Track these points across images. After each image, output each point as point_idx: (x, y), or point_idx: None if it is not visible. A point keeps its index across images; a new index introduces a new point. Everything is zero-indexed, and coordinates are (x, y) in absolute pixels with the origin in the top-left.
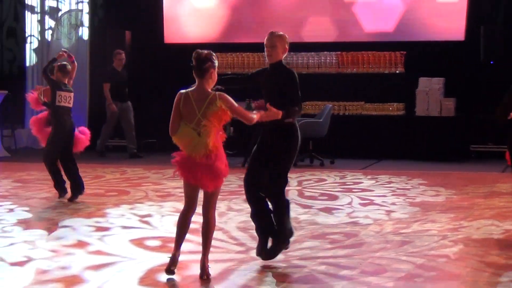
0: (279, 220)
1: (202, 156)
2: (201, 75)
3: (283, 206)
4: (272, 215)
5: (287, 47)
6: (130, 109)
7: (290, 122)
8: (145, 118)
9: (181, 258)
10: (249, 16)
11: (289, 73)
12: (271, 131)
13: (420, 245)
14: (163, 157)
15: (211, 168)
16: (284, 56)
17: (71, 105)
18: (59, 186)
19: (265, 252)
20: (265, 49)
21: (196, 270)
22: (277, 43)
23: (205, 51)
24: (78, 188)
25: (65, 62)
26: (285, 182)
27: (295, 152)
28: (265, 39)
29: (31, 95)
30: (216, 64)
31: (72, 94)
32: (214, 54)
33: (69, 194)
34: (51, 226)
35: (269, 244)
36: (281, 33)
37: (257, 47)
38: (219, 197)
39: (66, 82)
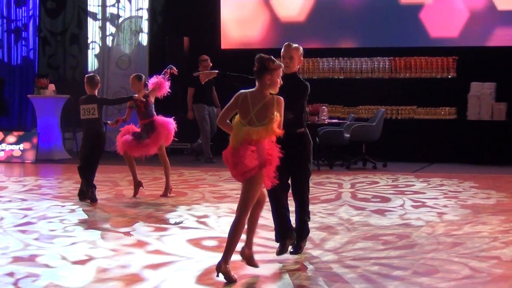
0: (303, 218)
1: (241, 144)
2: (258, 78)
3: (307, 206)
4: (295, 215)
5: (302, 58)
6: (215, 114)
7: (302, 131)
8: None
9: (238, 258)
10: (307, 22)
11: (306, 86)
12: (286, 141)
13: (471, 247)
14: (219, 159)
15: (241, 158)
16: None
17: (95, 116)
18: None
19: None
20: (282, 60)
21: (251, 270)
22: (295, 54)
23: (266, 56)
24: (84, 194)
25: (92, 74)
26: (308, 185)
27: (311, 156)
28: (283, 50)
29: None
30: (274, 68)
31: (95, 106)
32: (274, 59)
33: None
34: (111, 226)
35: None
36: (296, 45)
37: (311, 52)
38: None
39: (96, 93)
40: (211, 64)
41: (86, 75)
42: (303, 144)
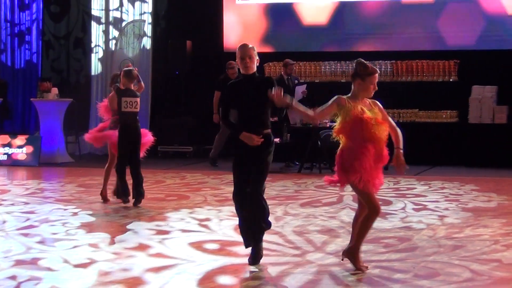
0: (254, 223)
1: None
2: (352, 82)
3: (262, 211)
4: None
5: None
6: None
7: (268, 132)
8: (207, 125)
9: (239, 261)
10: (309, 26)
11: (270, 79)
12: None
13: (472, 250)
14: (222, 163)
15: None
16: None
17: (137, 110)
18: (124, 191)
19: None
20: (241, 61)
21: (253, 273)
22: (252, 53)
23: (360, 61)
24: (140, 195)
25: (131, 68)
26: (262, 189)
27: (271, 159)
28: (241, 51)
29: (101, 104)
30: (365, 74)
31: (137, 99)
32: (367, 65)
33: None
34: (113, 229)
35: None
36: (251, 45)
37: (313, 56)
38: (274, 201)
39: (132, 87)
40: (237, 72)
41: (123, 69)
42: (265, 146)
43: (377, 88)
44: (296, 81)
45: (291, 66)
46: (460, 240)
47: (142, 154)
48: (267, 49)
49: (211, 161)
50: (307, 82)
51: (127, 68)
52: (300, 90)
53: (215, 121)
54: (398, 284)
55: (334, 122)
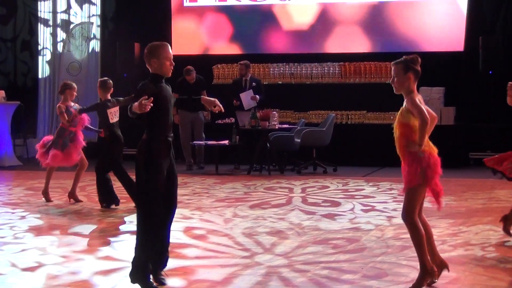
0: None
1: None
2: None
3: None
4: None
5: None
6: (200, 119)
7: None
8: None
9: (189, 263)
10: (258, 29)
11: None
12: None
13: None
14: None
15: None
16: None
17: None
18: (110, 196)
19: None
20: (168, 63)
21: (203, 275)
22: None
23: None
24: (116, 199)
25: (105, 78)
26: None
27: (143, 169)
28: (167, 51)
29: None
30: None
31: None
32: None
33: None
34: (61, 232)
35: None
36: None
37: (261, 58)
38: (223, 204)
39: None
40: (194, 78)
41: (99, 79)
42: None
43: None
44: (254, 84)
45: (242, 66)
46: (408, 241)
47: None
48: (216, 52)
49: (188, 167)
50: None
51: (102, 79)
52: (248, 96)
53: (175, 121)
54: (346, 285)
55: (284, 123)
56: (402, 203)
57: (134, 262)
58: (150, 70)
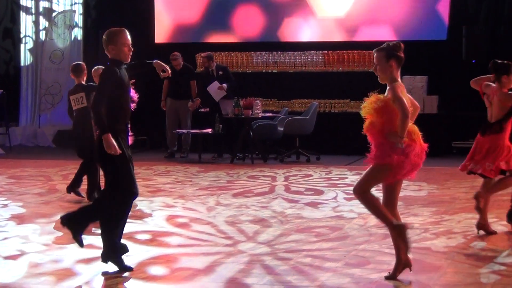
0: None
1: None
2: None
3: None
4: None
5: None
6: (186, 107)
7: None
8: (136, 116)
9: (171, 251)
10: (241, 15)
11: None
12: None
13: None
14: (153, 154)
15: None
16: None
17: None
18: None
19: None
20: (126, 48)
21: (186, 263)
22: None
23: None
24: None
25: (77, 62)
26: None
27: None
28: (125, 37)
29: None
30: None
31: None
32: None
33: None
34: (44, 220)
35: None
36: None
37: (244, 47)
38: (206, 192)
39: (82, 81)
40: (181, 64)
41: (72, 64)
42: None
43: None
44: (220, 72)
45: (204, 59)
46: None
47: None
48: (198, 40)
49: (169, 155)
50: (238, 72)
51: (74, 63)
52: (215, 88)
53: (162, 107)
54: (329, 273)
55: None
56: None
57: (105, 244)
58: (108, 56)
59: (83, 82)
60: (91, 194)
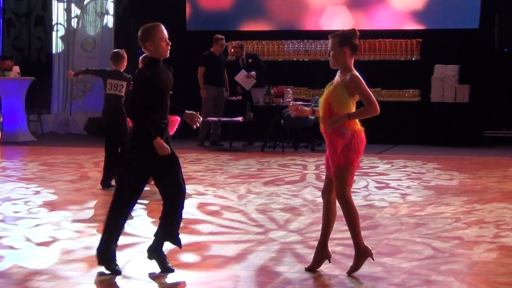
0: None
1: None
2: None
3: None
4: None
5: None
6: (224, 95)
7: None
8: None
9: (203, 239)
10: (268, 5)
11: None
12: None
13: (434, 227)
14: (184, 142)
15: None
16: None
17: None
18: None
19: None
20: (164, 43)
21: (217, 250)
22: None
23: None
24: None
25: (117, 49)
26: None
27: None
28: (161, 31)
29: None
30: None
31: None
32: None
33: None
34: (75, 207)
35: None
36: None
37: (276, 35)
38: (237, 180)
39: (121, 69)
40: (225, 44)
41: (112, 51)
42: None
43: None
44: (250, 60)
45: (237, 49)
46: (422, 218)
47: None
48: (230, 28)
49: (200, 143)
50: (269, 61)
51: (114, 50)
52: (243, 76)
53: (202, 95)
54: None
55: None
56: (416, 181)
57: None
58: (147, 53)
59: (122, 71)
60: (105, 181)
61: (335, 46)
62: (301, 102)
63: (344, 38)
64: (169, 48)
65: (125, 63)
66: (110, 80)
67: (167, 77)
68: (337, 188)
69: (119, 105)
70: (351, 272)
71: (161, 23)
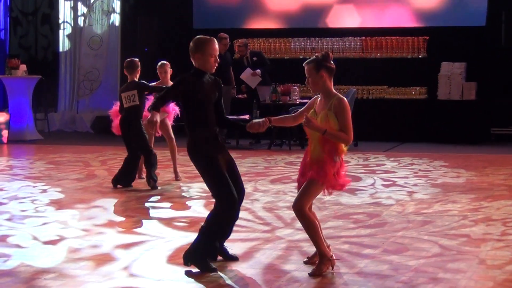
0: None
1: None
2: None
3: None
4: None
5: None
6: (230, 93)
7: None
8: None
9: None
10: (274, 2)
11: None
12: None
13: (441, 225)
14: None
15: None
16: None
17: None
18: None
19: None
20: (213, 59)
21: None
22: None
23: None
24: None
25: (131, 58)
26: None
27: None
28: (213, 47)
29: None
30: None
31: (133, 92)
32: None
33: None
34: (82, 206)
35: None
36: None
37: (282, 33)
38: (244, 178)
39: (136, 78)
40: (229, 43)
41: (126, 60)
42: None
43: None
44: (254, 58)
45: (242, 48)
46: (429, 216)
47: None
48: (236, 26)
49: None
50: (275, 59)
51: (128, 59)
52: (248, 74)
53: None
54: (367, 260)
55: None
56: (423, 179)
57: (196, 245)
58: (194, 63)
59: (136, 79)
60: (117, 180)
61: (312, 72)
62: (308, 100)
63: (319, 63)
64: (217, 65)
65: (139, 71)
66: (123, 94)
67: (210, 88)
68: (299, 199)
69: (136, 114)
70: (313, 275)
71: (215, 38)
